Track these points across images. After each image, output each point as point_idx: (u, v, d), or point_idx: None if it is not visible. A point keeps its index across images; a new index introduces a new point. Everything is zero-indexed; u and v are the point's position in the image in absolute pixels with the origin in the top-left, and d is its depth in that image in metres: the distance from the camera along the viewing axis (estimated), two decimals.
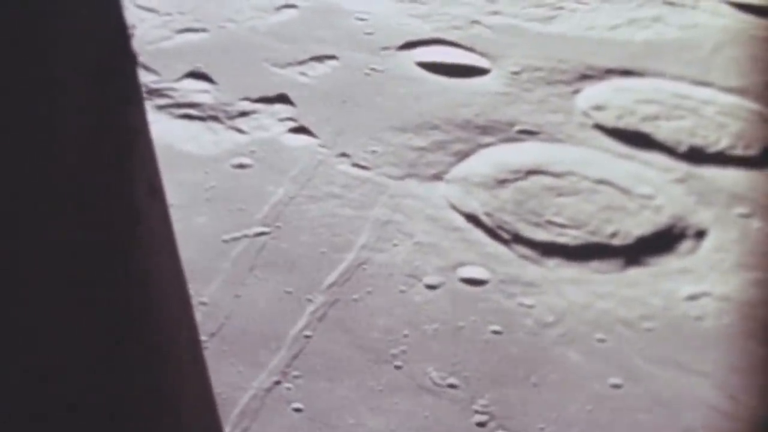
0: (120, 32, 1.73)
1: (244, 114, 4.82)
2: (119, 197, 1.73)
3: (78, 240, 1.67)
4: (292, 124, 4.75)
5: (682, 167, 4.51)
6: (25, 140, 1.56)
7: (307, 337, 3.46)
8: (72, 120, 1.61)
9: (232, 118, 4.78)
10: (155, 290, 1.88)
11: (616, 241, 4.01)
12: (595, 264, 3.89)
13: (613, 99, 5.04)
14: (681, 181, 4.40)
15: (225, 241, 3.93)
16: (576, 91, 5.13)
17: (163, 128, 4.68)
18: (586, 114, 4.90)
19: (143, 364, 1.89)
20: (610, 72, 5.33)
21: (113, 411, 1.85)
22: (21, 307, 1.65)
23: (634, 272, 3.86)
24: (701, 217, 4.18)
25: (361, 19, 5.86)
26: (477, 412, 3.22)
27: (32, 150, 1.57)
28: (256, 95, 4.99)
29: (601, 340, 3.50)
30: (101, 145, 1.68)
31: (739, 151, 4.63)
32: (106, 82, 1.68)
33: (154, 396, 1.94)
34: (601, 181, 4.37)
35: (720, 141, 4.70)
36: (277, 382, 3.27)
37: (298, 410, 3.18)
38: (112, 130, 1.70)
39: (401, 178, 4.36)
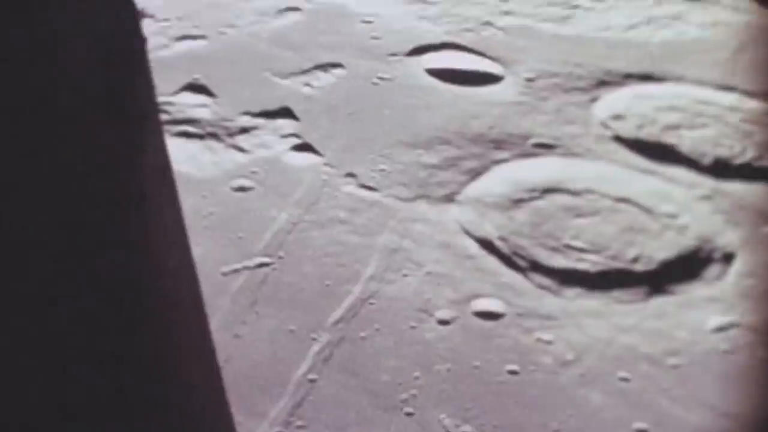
0: (130, 14, 1.76)
1: (244, 130, 4.61)
2: (127, 178, 1.75)
3: (84, 220, 1.69)
4: (295, 141, 4.53)
5: (707, 182, 4.28)
6: (31, 119, 1.57)
7: (312, 381, 3.25)
8: (81, 101, 1.63)
9: (232, 135, 4.57)
10: (165, 277, 1.91)
11: (638, 267, 3.79)
12: (616, 293, 3.67)
13: (633, 107, 4.82)
14: (706, 198, 4.17)
15: (224, 274, 3.72)
16: (594, 99, 4.90)
17: None
18: (604, 124, 4.68)
19: (150, 338, 1.91)
20: (628, 77, 5.10)
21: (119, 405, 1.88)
22: (26, 283, 1.66)
23: (658, 302, 3.64)
24: (729, 238, 3.96)
25: (368, 22, 5.63)
26: None
27: (38, 129, 1.58)
28: (257, 109, 4.78)
29: (625, 380, 3.29)
30: (110, 127, 1.70)
31: (766, 163, 4.40)
32: (116, 63, 1.71)
33: (161, 375, 1.96)
34: (621, 200, 4.15)
35: (746, 152, 4.47)
36: None
37: None
38: (121, 112, 1.72)
39: (411, 200, 4.14)
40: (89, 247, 1.71)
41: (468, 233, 3.97)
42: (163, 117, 4.68)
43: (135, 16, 1.77)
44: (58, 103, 1.59)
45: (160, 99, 4.83)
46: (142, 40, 1.79)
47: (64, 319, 1.71)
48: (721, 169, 4.39)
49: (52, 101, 1.58)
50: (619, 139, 4.59)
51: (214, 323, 3.49)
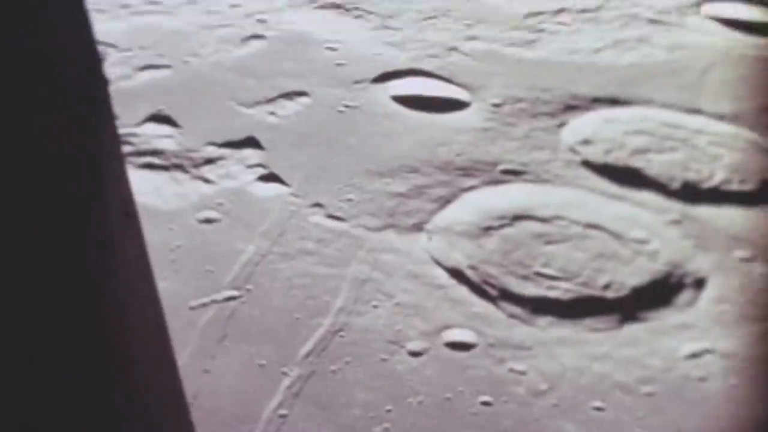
0: (92, 56, 1.73)
1: (210, 161, 4.55)
2: (94, 221, 1.73)
3: (52, 267, 1.67)
4: (261, 171, 4.48)
5: (677, 207, 4.26)
6: None
7: (282, 416, 3.20)
8: (45, 143, 1.60)
9: (197, 166, 4.51)
10: (130, 316, 1.88)
11: (610, 294, 3.76)
12: (588, 321, 3.63)
13: (601, 131, 4.79)
14: (676, 222, 4.15)
15: (192, 308, 3.66)
16: (561, 124, 4.87)
17: None
18: (572, 149, 4.65)
19: (118, 375, 1.89)
20: (596, 101, 5.08)
21: None
22: None
23: (630, 329, 3.61)
24: (700, 263, 3.93)
25: (332, 49, 5.59)
26: None
27: (4, 172, 1.56)
28: (222, 139, 4.73)
29: (599, 409, 3.25)
30: (75, 169, 1.68)
31: (735, 186, 4.38)
32: (80, 105, 1.69)
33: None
34: (591, 226, 4.12)
35: (714, 175, 4.46)
36: None
37: None
38: (86, 154, 1.69)
39: (379, 229, 4.09)
40: (52, 291, 1.67)
41: (438, 262, 3.93)
42: (127, 149, 4.62)
43: (98, 57, 1.74)
44: (23, 146, 1.57)
45: (124, 130, 4.77)
46: (104, 81, 1.77)
47: (24, 365, 1.67)
48: (689, 193, 4.37)
49: (18, 145, 1.55)
50: (587, 164, 4.57)
51: (183, 358, 3.43)
